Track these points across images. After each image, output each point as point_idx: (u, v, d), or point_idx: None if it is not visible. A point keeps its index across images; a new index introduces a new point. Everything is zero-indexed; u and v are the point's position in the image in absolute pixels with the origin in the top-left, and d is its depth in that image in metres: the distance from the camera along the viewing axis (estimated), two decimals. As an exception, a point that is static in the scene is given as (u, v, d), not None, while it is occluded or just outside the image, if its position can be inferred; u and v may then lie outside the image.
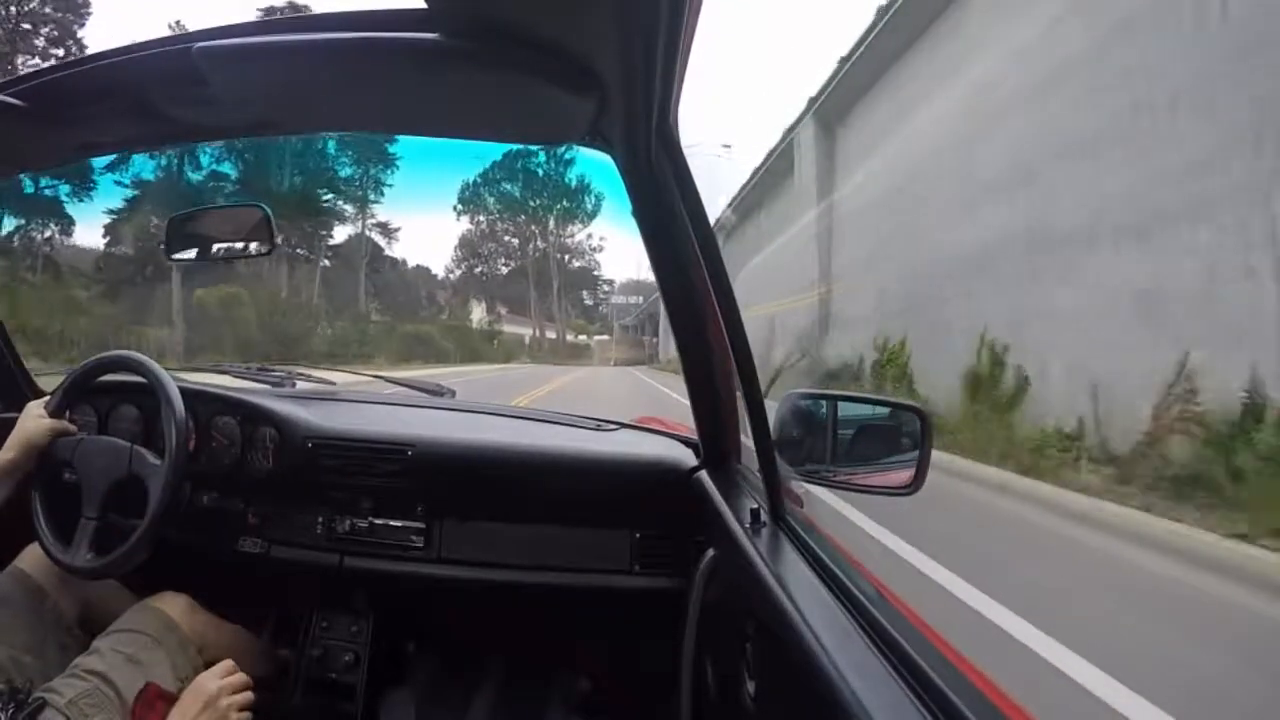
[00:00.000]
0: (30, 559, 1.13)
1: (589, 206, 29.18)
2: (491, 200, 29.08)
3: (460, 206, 28.58)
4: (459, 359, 21.99)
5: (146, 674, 0.99)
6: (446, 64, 0.61)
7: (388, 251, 24.76)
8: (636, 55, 0.57)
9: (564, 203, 29.29)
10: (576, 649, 1.48)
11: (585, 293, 34.14)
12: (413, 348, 20.74)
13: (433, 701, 1.40)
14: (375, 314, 23.66)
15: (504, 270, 31.38)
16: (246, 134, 0.95)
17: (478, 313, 29.28)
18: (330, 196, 21.54)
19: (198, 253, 1.28)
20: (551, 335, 32.57)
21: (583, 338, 34.22)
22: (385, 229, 24.55)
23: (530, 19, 0.56)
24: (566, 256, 32.51)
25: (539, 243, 31.19)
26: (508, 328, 30.41)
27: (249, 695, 1.00)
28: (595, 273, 33.41)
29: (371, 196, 23.24)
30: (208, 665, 1.02)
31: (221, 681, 0.96)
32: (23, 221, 15.11)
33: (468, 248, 30.57)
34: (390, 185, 22.86)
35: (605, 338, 34.91)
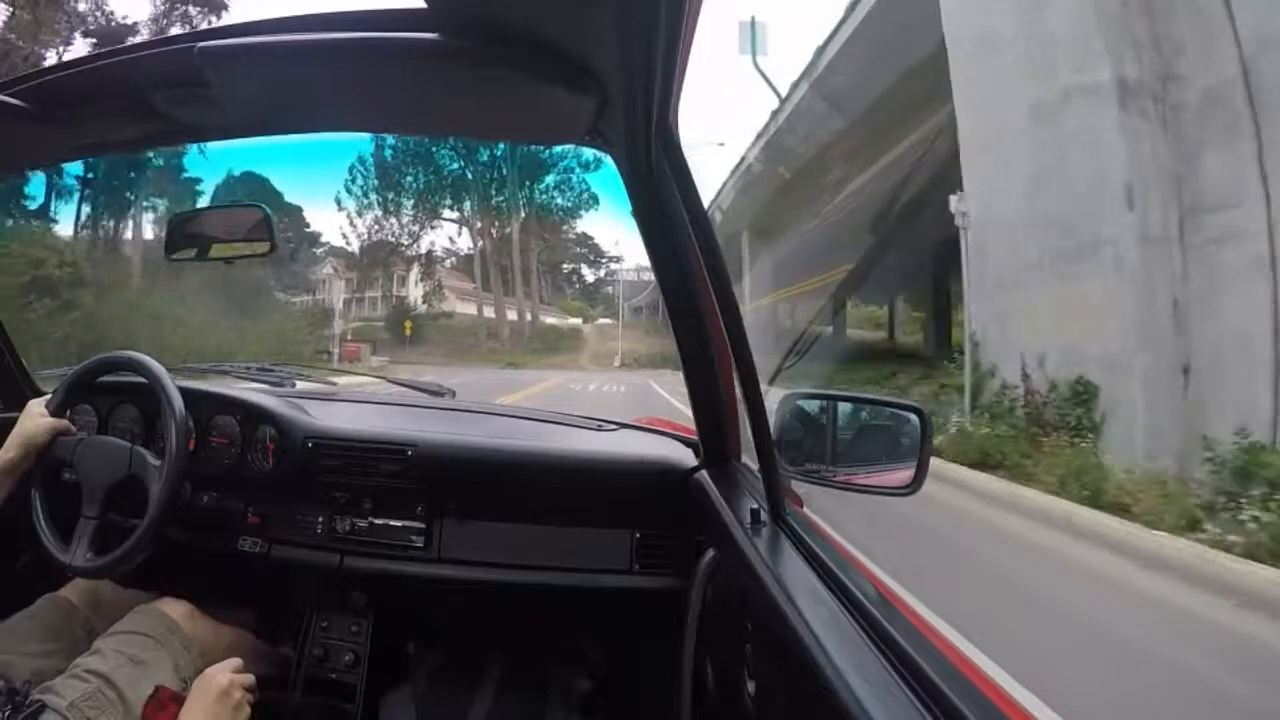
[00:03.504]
0: (76, 589, 1.15)
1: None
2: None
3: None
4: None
5: (149, 675, 0.98)
6: (446, 64, 0.61)
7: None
8: (636, 55, 0.57)
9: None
10: (576, 649, 1.48)
11: (585, 267, 24.01)
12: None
13: (433, 701, 1.40)
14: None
15: (450, 216, 20.25)
16: (247, 134, 0.95)
17: (414, 285, 20.71)
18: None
19: (197, 252, 1.28)
20: (513, 316, 21.53)
21: (575, 321, 23.85)
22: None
23: (530, 19, 0.56)
24: (538, 190, 20.80)
25: (501, 168, 20.08)
26: (460, 306, 21.18)
27: (253, 693, 1.00)
28: (583, 216, 21.91)
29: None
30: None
31: (232, 675, 0.96)
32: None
33: (383, 177, 19.63)
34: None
35: (609, 322, 24.32)
